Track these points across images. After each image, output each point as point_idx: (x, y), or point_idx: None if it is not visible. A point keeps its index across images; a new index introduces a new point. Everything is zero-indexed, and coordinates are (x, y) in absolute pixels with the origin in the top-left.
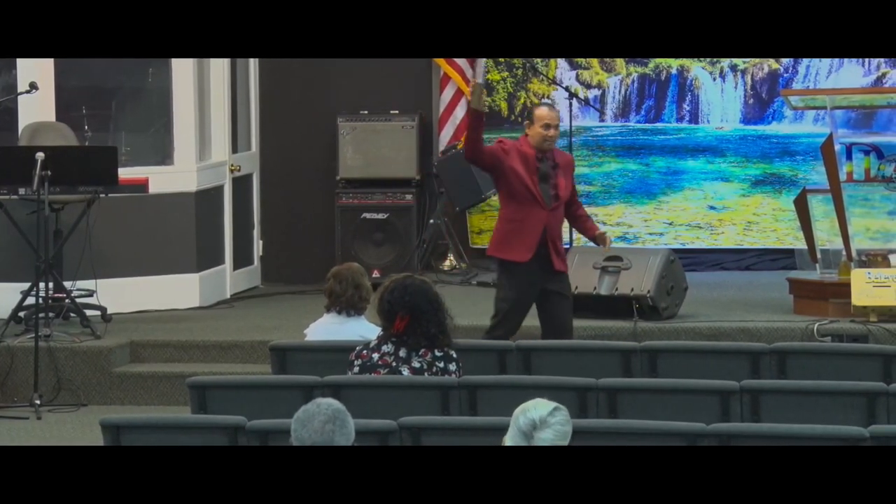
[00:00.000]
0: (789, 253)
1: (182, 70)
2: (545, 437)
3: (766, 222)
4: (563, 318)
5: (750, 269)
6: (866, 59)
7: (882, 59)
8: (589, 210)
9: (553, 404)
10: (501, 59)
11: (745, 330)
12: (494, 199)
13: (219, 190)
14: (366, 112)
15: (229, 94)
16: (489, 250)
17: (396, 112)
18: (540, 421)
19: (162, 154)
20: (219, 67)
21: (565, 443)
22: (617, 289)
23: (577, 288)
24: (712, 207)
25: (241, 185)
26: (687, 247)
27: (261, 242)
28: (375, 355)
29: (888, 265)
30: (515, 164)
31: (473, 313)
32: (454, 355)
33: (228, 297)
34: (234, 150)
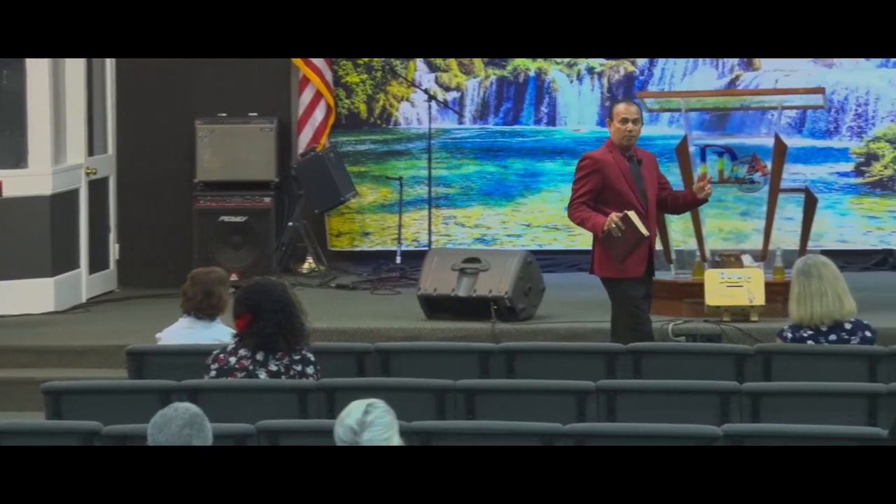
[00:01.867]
0: None
1: (36, 71)
2: (372, 437)
3: None
4: (650, 324)
5: None
6: (720, 62)
7: (735, 62)
8: (447, 212)
9: (365, 402)
10: (360, 61)
11: (601, 331)
12: (353, 202)
13: (74, 193)
14: (224, 114)
15: (85, 95)
16: (598, 272)
17: (255, 114)
18: (358, 424)
19: (16, 157)
20: (74, 68)
21: (395, 432)
22: (475, 290)
23: (435, 289)
24: None
25: (98, 188)
26: (544, 248)
27: (117, 246)
28: (232, 359)
29: (741, 265)
30: (612, 181)
31: (332, 316)
32: (312, 358)
33: (84, 301)
34: (91, 152)
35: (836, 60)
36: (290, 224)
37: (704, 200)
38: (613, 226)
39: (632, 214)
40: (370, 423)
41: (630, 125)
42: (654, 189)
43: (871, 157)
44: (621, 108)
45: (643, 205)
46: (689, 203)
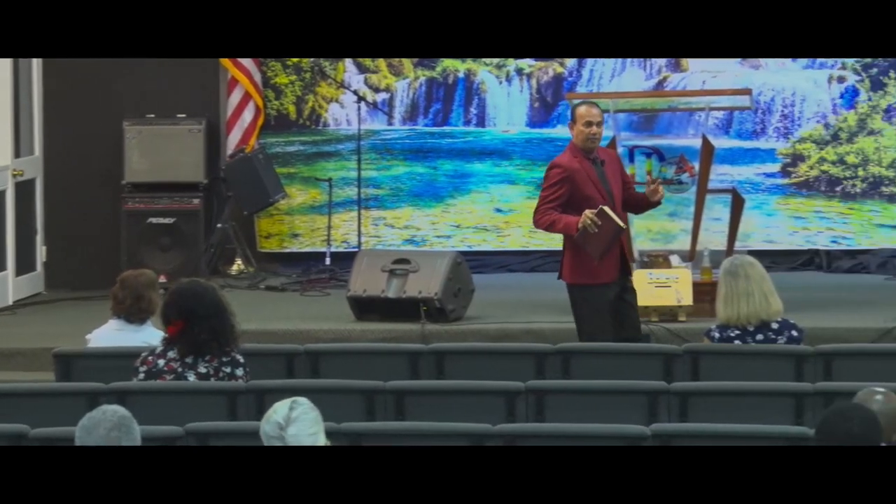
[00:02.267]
0: None
1: None
2: (298, 431)
3: None
4: (638, 323)
5: (535, 270)
6: (648, 64)
7: (663, 64)
8: (377, 213)
9: (289, 400)
10: (289, 63)
11: (530, 331)
12: (283, 203)
13: (0, 195)
14: (152, 116)
15: (12, 96)
16: (569, 278)
17: (183, 116)
18: (284, 419)
19: None
20: (0, 69)
21: (321, 429)
22: (405, 291)
23: (364, 291)
24: (499, 210)
25: (24, 189)
26: (474, 249)
27: (44, 248)
28: (161, 361)
29: (669, 266)
30: (581, 187)
31: (261, 318)
32: (241, 360)
33: (10, 303)
34: (17, 154)
35: (762, 62)
36: (219, 225)
37: (658, 202)
38: (589, 222)
39: (606, 208)
40: (296, 418)
41: (594, 128)
42: (620, 188)
43: (797, 158)
44: (585, 111)
45: (611, 207)
46: (646, 205)
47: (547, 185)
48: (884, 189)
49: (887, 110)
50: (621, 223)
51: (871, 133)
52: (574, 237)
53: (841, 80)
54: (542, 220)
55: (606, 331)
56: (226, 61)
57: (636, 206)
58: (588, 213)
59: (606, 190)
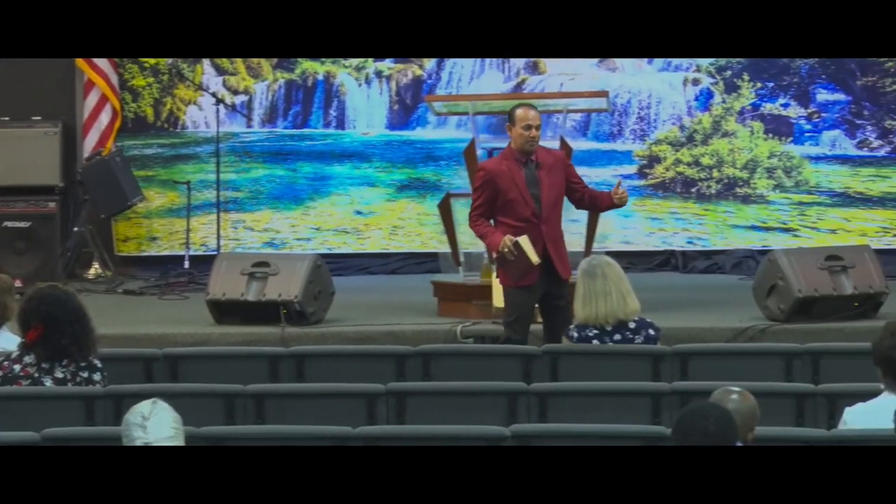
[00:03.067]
0: (433, 256)
1: None
2: (160, 423)
3: (412, 226)
4: (521, 333)
5: (396, 272)
6: (506, 66)
7: (522, 66)
8: (236, 216)
9: (150, 400)
10: (147, 64)
11: (391, 333)
12: (140, 206)
13: None
14: (6, 118)
15: None
16: (500, 279)
17: (38, 118)
18: (148, 412)
19: None
20: None
21: (180, 428)
22: (264, 294)
23: (224, 294)
24: (359, 212)
25: None
26: (334, 252)
27: None
28: (17, 366)
29: None
30: (504, 190)
31: (119, 322)
32: (99, 365)
33: None
34: None
35: (619, 64)
36: (76, 229)
37: (622, 205)
38: (506, 250)
39: (523, 241)
40: (157, 412)
41: (533, 131)
42: (556, 192)
43: (653, 160)
44: (523, 114)
45: (536, 212)
46: (608, 205)
47: (473, 188)
48: (738, 190)
49: (741, 112)
50: (535, 259)
51: (726, 135)
52: (495, 257)
53: (696, 82)
54: (473, 229)
55: (517, 330)
56: (82, 63)
57: (597, 206)
58: (507, 241)
59: (533, 194)
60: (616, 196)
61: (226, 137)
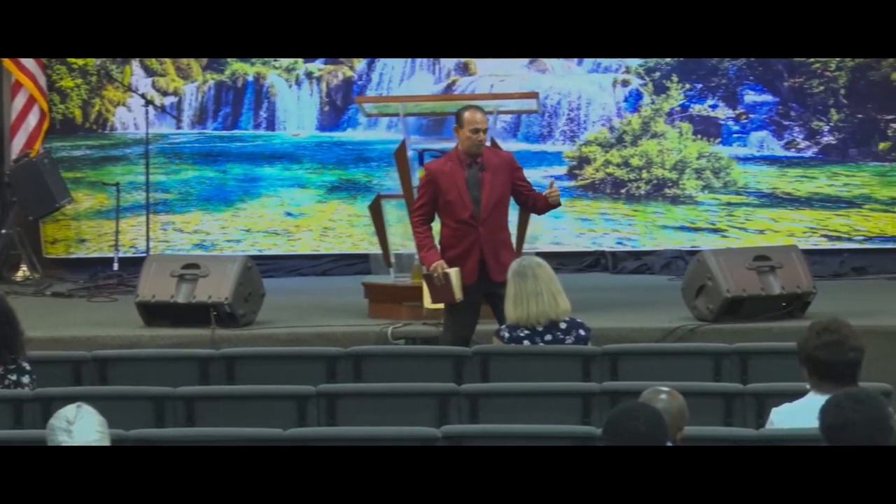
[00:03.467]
0: (364, 258)
1: None
2: (85, 426)
3: (342, 228)
4: (461, 329)
5: (326, 274)
6: (437, 67)
7: (452, 67)
8: (166, 218)
9: (74, 404)
10: (75, 66)
11: (322, 335)
12: (69, 208)
13: None
14: None
15: None
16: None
17: None
18: (73, 417)
19: None
20: None
21: (105, 430)
22: (194, 296)
23: (154, 296)
24: (289, 214)
25: None
26: (264, 253)
27: None
28: None
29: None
30: (444, 191)
31: (48, 324)
32: (27, 367)
33: None
34: None
35: (549, 66)
36: (3, 231)
37: (557, 205)
38: (435, 275)
39: (454, 274)
40: (82, 416)
41: (481, 134)
42: (498, 194)
43: (583, 161)
44: (470, 117)
45: (475, 214)
46: (544, 206)
47: (418, 188)
48: (667, 191)
49: (670, 113)
50: (458, 296)
51: (655, 136)
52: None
53: (625, 83)
54: (413, 233)
55: (450, 325)
56: (9, 64)
57: (537, 208)
58: (438, 268)
59: (473, 196)
60: (550, 196)
61: (155, 139)
